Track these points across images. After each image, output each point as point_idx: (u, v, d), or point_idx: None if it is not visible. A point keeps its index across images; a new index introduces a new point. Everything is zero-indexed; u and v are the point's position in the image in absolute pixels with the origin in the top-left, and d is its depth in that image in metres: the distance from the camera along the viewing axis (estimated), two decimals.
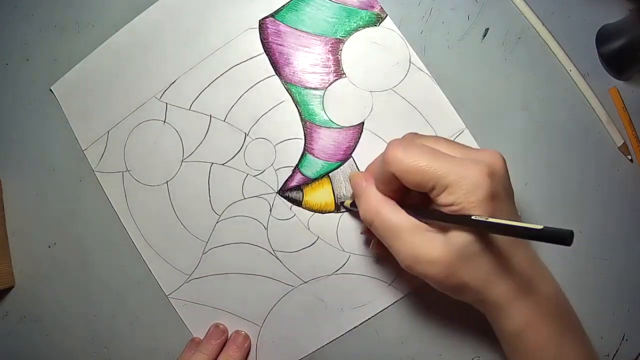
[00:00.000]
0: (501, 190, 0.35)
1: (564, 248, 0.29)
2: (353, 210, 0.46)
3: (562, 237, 0.27)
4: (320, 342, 0.48)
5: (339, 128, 0.48)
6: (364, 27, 0.48)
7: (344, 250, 0.48)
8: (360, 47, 0.48)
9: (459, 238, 0.35)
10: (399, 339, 0.47)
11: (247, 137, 0.49)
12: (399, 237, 0.37)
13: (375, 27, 0.48)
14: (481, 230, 0.34)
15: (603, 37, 0.47)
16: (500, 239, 0.36)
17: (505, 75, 0.48)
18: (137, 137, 0.51)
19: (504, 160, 0.36)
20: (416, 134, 0.40)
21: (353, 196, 0.44)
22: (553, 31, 0.48)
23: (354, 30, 0.48)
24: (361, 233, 0.47)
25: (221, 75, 0.50)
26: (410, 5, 0.48)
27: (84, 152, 0.52)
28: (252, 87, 0.49)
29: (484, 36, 0.48)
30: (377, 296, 0.47)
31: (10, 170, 0.53)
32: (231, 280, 0.49)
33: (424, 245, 0.36)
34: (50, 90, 0.53)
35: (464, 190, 0.34)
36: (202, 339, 0.49)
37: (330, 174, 0.48)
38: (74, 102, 0.52)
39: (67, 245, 0.52)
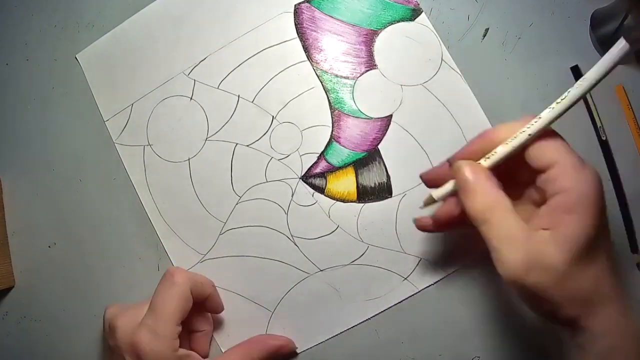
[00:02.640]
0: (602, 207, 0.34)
1: None
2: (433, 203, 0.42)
3: None
4: (330, 333, 0.48)
5: (367, 119, 0.48)
6: (398, 21, 0.48)
7: (362, 241, 0.47)
8: (393, 41, 0.48)
9: (574, 237, 0.32)
10: (399, 339, 0.47)
11: (274, 120, 0.49)
12: (513, 244, 0.33)
13: (410, 22, 0.48)
14: (597, 223, 0.33)
15: (596, 22, 0.47)
16: (608, 249, 0.34)
17: (505, 75, 0.48)
18: (162, 112, 0.50)
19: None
20: None
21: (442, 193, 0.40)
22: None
23: (388, 23, 0.48)
24: (421, 207, 0.42)
25: (253, 56, 0.49)
26: None
27: (106, 123, 0.51)
28: (282, 70, 0.49)
29: (484, 36, 0.49)
30: (392, 289, 0.47)
31: (10, 170, 0.53)
32: (246, 263, 0.49)
33: (538, 250, 0.33)
34: (76, 58, 0.52)
35: (574, 177, 0.33)
36: None
37: (354, 164, 0.48)
38: (98, 72, 0.52)
39: (67, 245, 0.52)
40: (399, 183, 0.48)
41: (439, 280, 0.47)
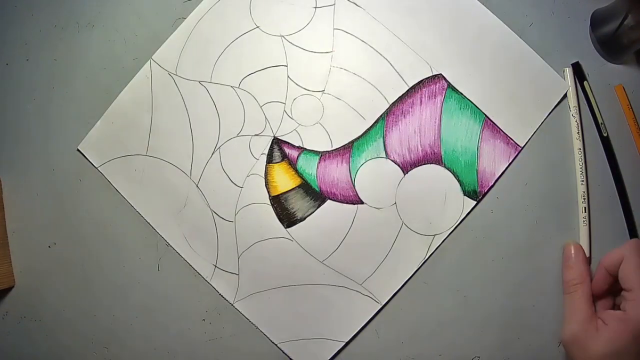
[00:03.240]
0: None
1: None
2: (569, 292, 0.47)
3: None
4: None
5: (352, 183, 0.50)
6: (459, 181, 0.49)
7: (235, 215, 0.50)
8: (438, 181, 0.49)
9: (620, 340, 0.42)
10: (399, 339, 0.48)
11: (321, 93, 0.50)
12: (576, 319, 0.44)
13: (461, 194, 0.49)
14: None
15: (596, 22, 0.48)
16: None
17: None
18: None
19: None
20: None
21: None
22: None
23: (454, 171, 0.49)
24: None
25: (375, 50, 0.51)
26: None
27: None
28: (372, 84, 0.51)
29: None
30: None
31: (10, 170, 0.53)
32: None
33: (589, 333, 0.43)
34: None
35: None
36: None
37: (304, 182, 0.50)
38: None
39: (67, 245, 0.52)
40: (301, 231, 0.49)
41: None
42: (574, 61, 0.49)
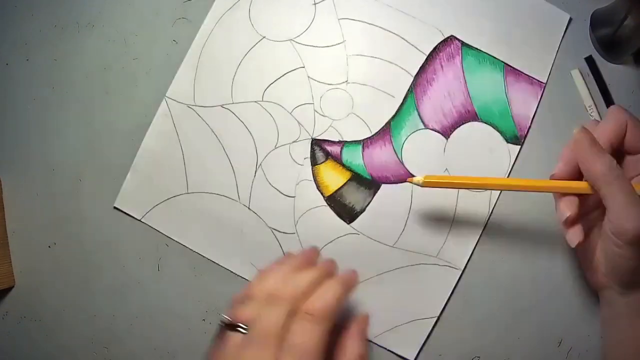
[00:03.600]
0: None
1: None
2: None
3: None
4: None
5: (399, 160, 0.50)
6: (499, 131, 0.50)
7: (295, 225, 0.49)
8: (480, 137, 0.50)
9: None
10: None
11: (345, 83, 0.50)
12: (633, 207, 0.37)
13: (505, 142, 0.49)
14: None
15: (596, 22, 0.48)
16: None
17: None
18: None
19: None
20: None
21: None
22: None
23: (492, 123, 0.50)
24: (561, 219, 0.42)
25: (385, 30, 0.51)
26: None
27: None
28: (391, 62, 0.51)
29: None
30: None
31: (10, 170, 0.53)
32: (208, 140, 0.51)
33: None
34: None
35: None
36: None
37: (355, 175, 0.50)
38: None
39: (67, 245, 0.51)
40: (364, 222, 0.49)
41: None
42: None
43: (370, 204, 0.49)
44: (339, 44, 0.50)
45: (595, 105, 0.49)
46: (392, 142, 0.50)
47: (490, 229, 0.48)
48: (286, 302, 0.36)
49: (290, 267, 0.40)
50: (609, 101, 0.49)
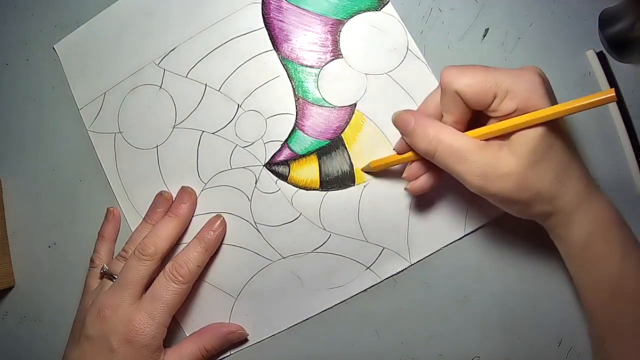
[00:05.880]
0: (551, 90, 0.36)
1: None
2: (373, 172, 0.47)
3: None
4: (294, 320, 0.48)
5: (331, 107, 0.48)
6: (365, 11, 0.49)
7: (324, 229, 0.48)
8: (359, 30, 0.49)
9: (527, 139, 0.35)
10: (399, 339, 0.47)
11: (239, 108, 0.50)
12: (465, 159, 0.37)
13: (376, 12, 0.48)
14: (548, 125, 0.35)
15: (604, 21, 0.47)
16: (565, 133, 0.36)
17: None
18: (133, 100, 0.51)
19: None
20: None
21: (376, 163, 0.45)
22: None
23: (355, 12, 0.49)
24: (404, 177, 0.43)
25: (220, 45, 0.50)
26: (410, 6, 0.49)
27: (80, 111, 0.52)
28: (249, 60, 0.50)
29: (484, 36, 0.48)
30: (354, 278, 0.47)
31: (10, 170, 0.54)
32: None
33: (491, 161, 0.36)
34: (53, 48, 0.54)
35: (524, 91, 0.35)
36: (118, 211, 0.51)
37: (318, 152, 0.48)
38: (74, 62, 0.53)
39: (67, 245, 0.52)
40: (362, 172, 0.48)
41: (402, 271, 0.47)
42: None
43: (353, 148, 0.48)
44: (205, 90, 0.51)
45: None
46: (313, 103, 0.48)
47: (491, 229, 0.47)
48: (148, 257, 0.44)
49: (157, 221, 0.47)
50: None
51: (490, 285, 0.46)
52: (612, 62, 0.47)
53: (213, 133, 0.50)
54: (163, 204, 0.48)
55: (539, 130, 0.35)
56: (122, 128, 0.51)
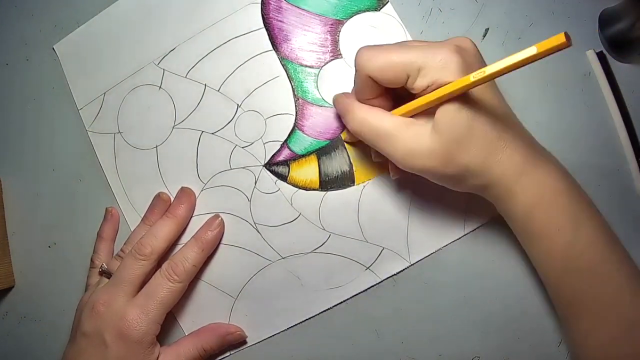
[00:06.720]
0: (474, 64, 0.36)
1: None
2: (350, 141, 0.47)
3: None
4: (294, 320, 0.48)
5: (331, 107, 0.48)
6: (364, 11, 0.49)
7: (324, 229, 0.47)
8: (359, 30, 0.48)
9: (445, 116, 0.35)
10: (399, 339, 0.47)
11: (239, 108, 0.50)
12: (389, 137, 0.37)
13: (376, 12, 0.48)
14: (466, 100, 0.35)
15: (604, 21, 0.47)
16: (489, 109, 0.36)
17: (505, 75, 0.47)
18: (132, 100, 0.51)
19: (472, 41, 0.37)
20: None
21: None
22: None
23: (354, 12, 0.49)
24: (374, 159, 0.45)
25: (220, 46, 0.50)
26: (410, 6, 0.49)
27: (79, 111, 0.52)
28: (248, 60, 0.50)
29: (484, 36, 0.48)
30: (353, 279, 0.47)
31: (10, 170, 0.54)
32: None
33: (415, 138, 0.36)
34: (53, 48, 0.54)
35: (436, 67, 0.35)
36: (117, 211, 0.51)
37: (317, 152, 0.48)
38: (74, 62, 0.53)
39: (67, 245, 0.52)
40: (361, 171, 0.48)
41: (402, 271, 0.47)
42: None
43: (352, 153, 0.48)
44: (204, 91, 0.50)
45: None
46: (312, 103, 0.48)
47: (491, 228, 0.46)
48: (145, 257, 0.44)
49: (154, 222, 0.47)
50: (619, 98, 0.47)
51: (490, 285, 0.46)
52: (612, 62, 0.47)
53: (212, 133, 0.50)
54: (161, 205, 0.49)
55: (455, 104, 0.35)
56: (122, 128, 0.51)
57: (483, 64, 0.37)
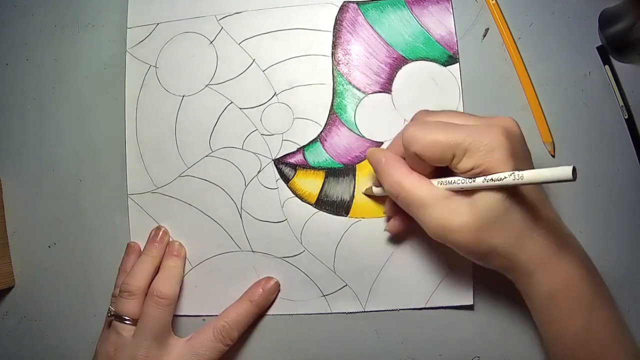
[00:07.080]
0: (519, 150, 0.36)
1: None
2: (373, 195, 0.47)
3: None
4: None
5: (359, 135, 0.48)
6: (432, 60, 0.48)
7: (301, 244, 0.48)
8: (418, 76, 0.48)
9: (486, 199, 0.35)
10: (399, 339, 0.47)
11: (275, 96, 0.49)
12: (424, 207, 0.38)
13: (442, 66, 0.48)
14: (508, 189, 0.35)
15: (604, 21, 0.47)
16: (526, 199, 0.36)
17: (505, 75, 0.48)
18: (180, 42, 0.51)
19: (517, 123, 0.38)
20: (428, 111, 0.41)
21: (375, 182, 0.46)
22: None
23: (422, 57, 0.48)
24: (384, 213, 0.46)
25: (283, 30, 0.50)
26: None
27: (127, 30, 0.51)
28: (304, 56, 0.49)
29: (484, 36, 0.48)
30: (306, 299, 0.48)
31: (10, 170, 0.53)
32: (189, 212, 0.50)
33: (450, 213, 0.37)
34: None
35: (483, 151, 0.35)
36: (138, 244, 0.49)
37: (327, 171, 0.48)
38: None
39: (67, 245, 0.51)
40: (359, 207, 0.48)
41: (351, 313, 0.47)
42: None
43: (356, 187, 0.48)
44: (250, 65, 0.50)
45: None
46: (344, 124, 0.48)
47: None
48: (135, 295, 0.45)
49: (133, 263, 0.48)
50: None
51: (490, 285, 0.46)
52: (612, 62, 0.47)
53: (240, 108, 0.49)
54: (162, 239, 0.49)
55: (499, 194, 0.35)
56: (159, 64, 0.51)
57: (526, 148, 0.38)
